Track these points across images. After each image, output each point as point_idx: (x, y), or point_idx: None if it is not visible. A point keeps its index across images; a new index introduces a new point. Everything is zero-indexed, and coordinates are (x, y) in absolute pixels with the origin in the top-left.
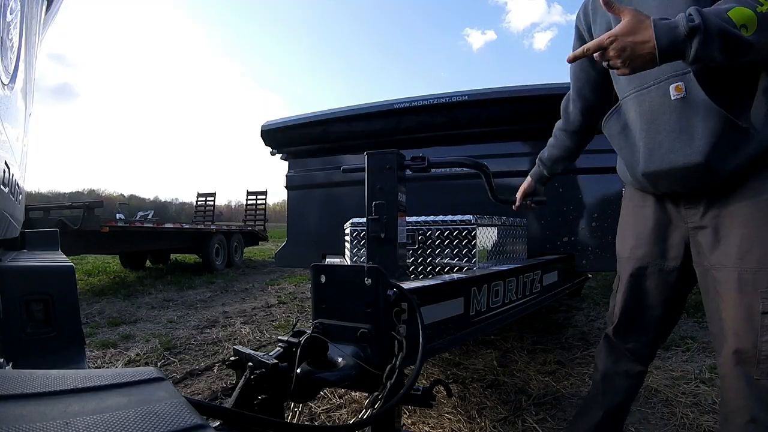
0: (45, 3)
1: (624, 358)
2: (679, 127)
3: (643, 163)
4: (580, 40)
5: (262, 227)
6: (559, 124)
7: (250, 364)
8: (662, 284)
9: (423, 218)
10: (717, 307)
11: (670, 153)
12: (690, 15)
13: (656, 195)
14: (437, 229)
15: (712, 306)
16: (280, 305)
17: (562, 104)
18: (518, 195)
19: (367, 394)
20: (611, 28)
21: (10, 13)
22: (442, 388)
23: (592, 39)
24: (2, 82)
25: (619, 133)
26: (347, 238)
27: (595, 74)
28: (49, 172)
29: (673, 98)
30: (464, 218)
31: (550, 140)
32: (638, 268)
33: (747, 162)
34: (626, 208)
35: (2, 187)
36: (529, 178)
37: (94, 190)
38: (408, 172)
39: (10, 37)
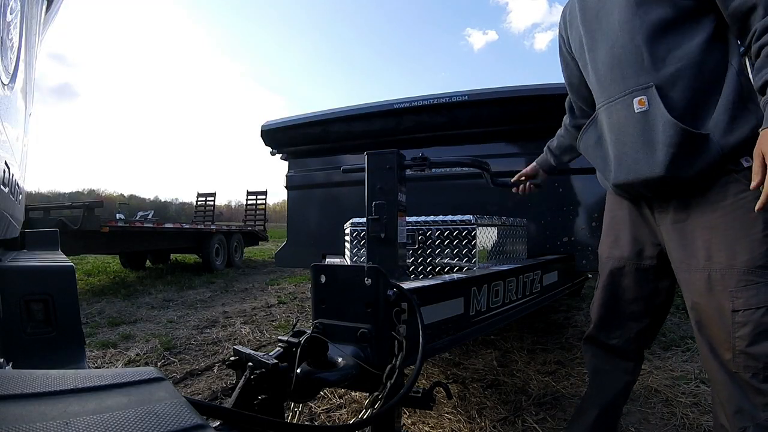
0: (45, 3)
1: (610, 354)
2: (642, 139)
3: (614, 174)
4: (563, 45)
5: (262, 227)
6: (566, 119)
7: (250, 364)
8: (640, 282)
9: (423, 218)
10: (690, 306)
11: (635, 164)
12: None
13: (630, 198)
14: (437, 229)
15: (687, 304)
16: (280, 305)
17: (566, 102)
18: (517, 176)
19: (367, 394)
20: (581, 41)
21: (10, 13)
22: (441, 389)
23: (570, 48)
24: (2, 82)
25: (595, 143)
26: (347, 238)
27: (581, 75)
28: (49, 172)
29: (636, 111)
30: (464, 218)
31: (559, 131)
32: (617, 267)
33: (708, 167)
34: (606, 210)
35: (2, 187)
36: (534, 164)
37: (94, 190)
38: (408, 172)
39: (10, 37)
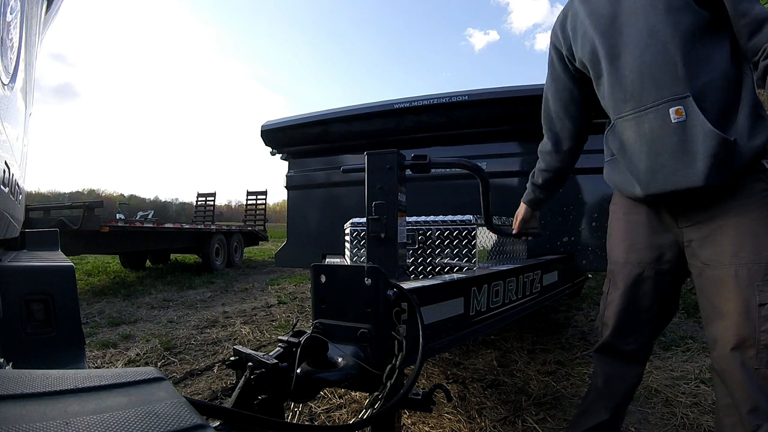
0: (45, 3)
1: (624, 360)
2: (681, 149)
3: (645, 185)
4: (559, 57)
5: (262, 227)
6: (546, 147)
7: (250, 364)
8: (659, 286)
9: (423, 218)
10: (714, 303)
11: (673, 174)
12: None
13: (648, 203)
14: (437, 229)
15: (709, 302)
16: (280, 305)
17: (544, 125)
18: (516, 224)
19: (367, 394)
20: (595, 50)
21: (10, 13)
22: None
23: (574, 57)
24: (2, 82)
25: (618, 150)
26: (347, 238)
27: (578, 93)
28: (49, 172)
29: (673, 121)
30: (464, 218)
31: (539, 165)
32: (636, 273)
33: (738, 171)
34: (616, 213)
35: (2, 187)
36: (523, 205)
37: (94, 190)
38: (408, 172)
39: (10, 37)
